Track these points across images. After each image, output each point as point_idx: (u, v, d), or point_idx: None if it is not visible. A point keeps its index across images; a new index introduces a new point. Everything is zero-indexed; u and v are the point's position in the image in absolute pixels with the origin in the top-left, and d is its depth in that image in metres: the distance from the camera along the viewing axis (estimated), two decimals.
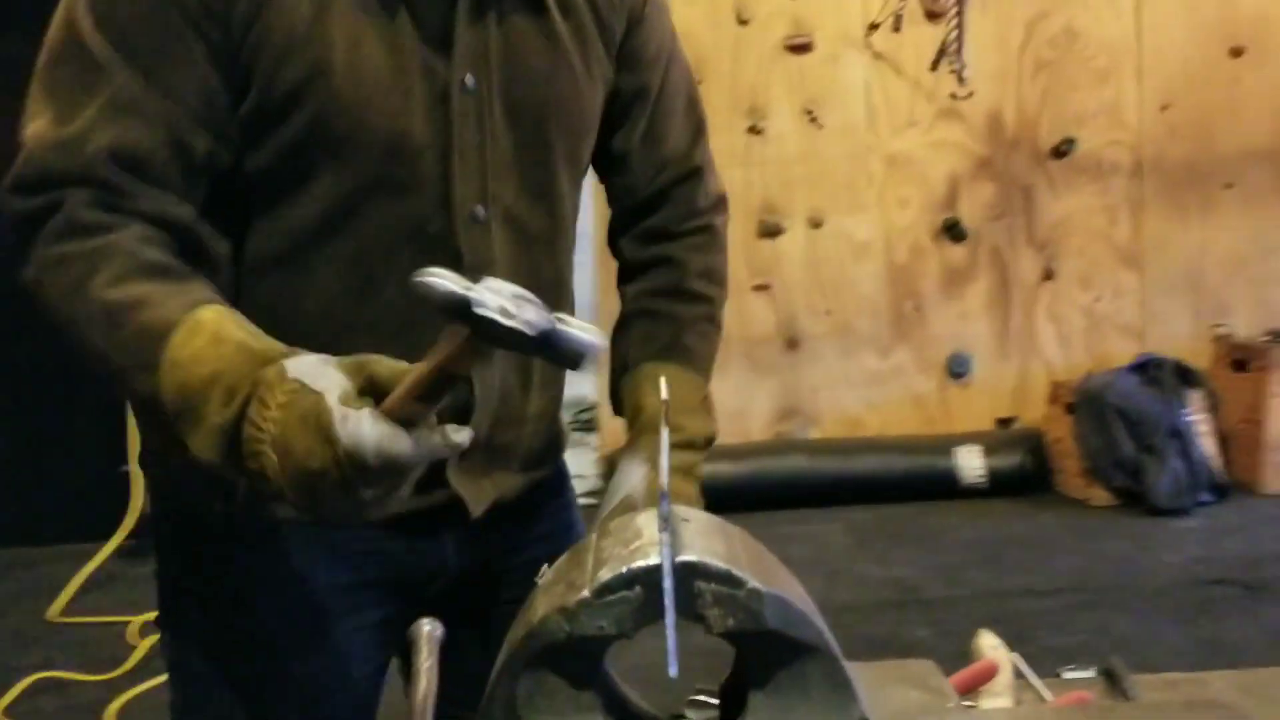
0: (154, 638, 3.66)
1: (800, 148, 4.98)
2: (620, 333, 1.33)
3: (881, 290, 5.05)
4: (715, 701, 0.75)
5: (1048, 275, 5.06)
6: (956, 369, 5.08)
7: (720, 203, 1.37)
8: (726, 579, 0.61)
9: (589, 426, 4.69)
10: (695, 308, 1.32)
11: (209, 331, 0.91)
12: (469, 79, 1.11)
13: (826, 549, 4.27)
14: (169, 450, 0.96)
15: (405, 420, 0.81)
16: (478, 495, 1.19)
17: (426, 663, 0.71)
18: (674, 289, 1.32)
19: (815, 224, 5.01)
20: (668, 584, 0.58)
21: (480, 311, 0.72)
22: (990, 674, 0.97)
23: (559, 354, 0.75)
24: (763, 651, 0.62)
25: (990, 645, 1.02)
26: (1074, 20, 4.96)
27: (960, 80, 4.62)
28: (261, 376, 0.86)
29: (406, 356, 0.96)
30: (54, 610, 4.02)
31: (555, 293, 1.22)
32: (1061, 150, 4.99)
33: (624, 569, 0.60)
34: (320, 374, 0.85)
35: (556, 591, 0.64)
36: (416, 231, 1.11)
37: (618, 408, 1.32)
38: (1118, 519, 4.47)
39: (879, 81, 4.97)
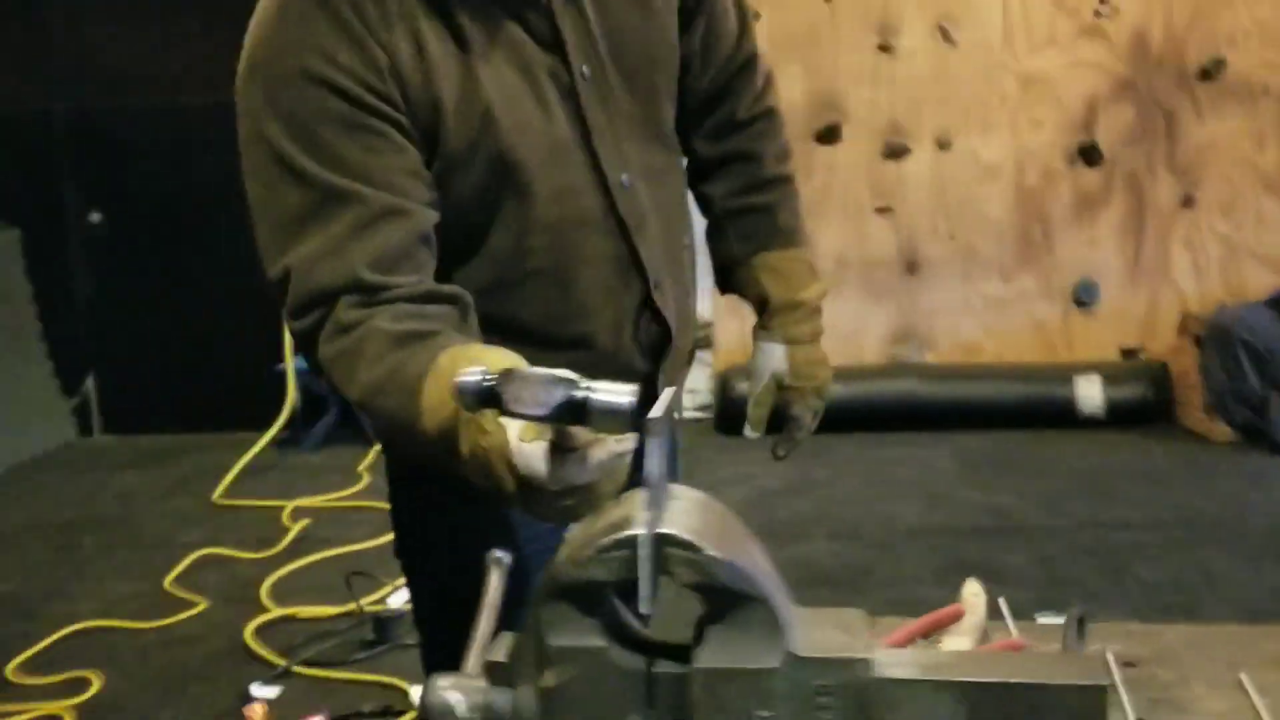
0: (305, 522, 4.01)
1: (931, 66, 4.90)
2: (718, 232, 1.54)
3: (1008, 214, 4.97)
4: None
5: (1186, 202, 4.89)
6: (1083, 296, 4.99)
7: (771, 81, 1.53)
8: (690, 547, 0.77)
9: (704, 344, 4.80)
10: (778, 190, 1.51)
11: (446, 375, 1.03)
12: (585, 69, 1.27)
13: (931, 473, 4.32)
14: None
15: (579, 443, 0.91)
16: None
17: (496, 584, 0.91)
18: (756, 183, 1.51)
19: (942, 145, 4.94)
20: (645, 551, 0.77)
21: (507, 406, 0.87)
22: (953, 618, 1.06)
23: (593, 419, 0.87)
24: (717, 599, 0.76)
25: (972, 593, 1.11)
26: None
27: None
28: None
29: (617, 320, 1.30)
30: (218, 493, 4.42)
31: (681, 210, 1.45)
32: (1209, 71, 4.78)
33: (619, 535, 0.78)
34: None
35: (575, 545, 0.83)
36: (586, 219, 1.29)
37: (726, 290, 1.55)
38: (1236, 456, 4.38)
39: None
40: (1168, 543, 3.62)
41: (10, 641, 3.17)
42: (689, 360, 1.52)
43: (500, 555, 0.94)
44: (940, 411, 4.71)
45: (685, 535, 0.77)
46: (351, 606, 3.25)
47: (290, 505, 4.21)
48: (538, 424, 0.93)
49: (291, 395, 4.80)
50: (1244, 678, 0.95)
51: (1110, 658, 1.03)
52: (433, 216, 1.19)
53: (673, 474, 1.34)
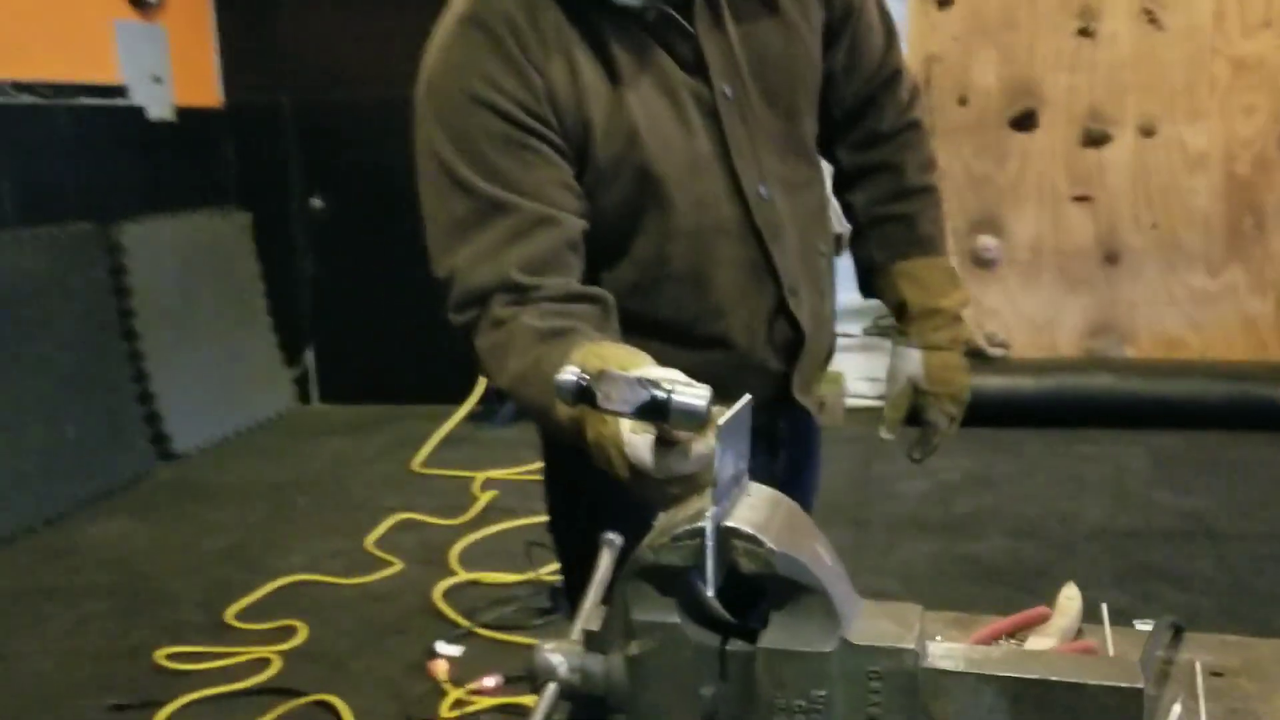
0: (493, 493, 4.24)
1: (1135, 50, 4.71)
2: (860, 239, 1.59)
3: (1217, 204, 4.74)
4: None
5: None
6: None
7: (916, 93, 1.57)
8: (752, 540, 0.85)
9: (888, 333, 4.78)
10: (920, 200, 1.56)
11: None
12: (727, 89, 1.36)
13: (1122, 473, 4.18)
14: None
15: (682, 437, 1.00)
16: (810, 401, 1.52)
17: (607, 561, 1.01)
18: (898, 192, 1.55)
19: (1146, 132, 4.75)
20: (711, 541, 0.85)
21: (599, 403, 0.96)
22: (1036, 620, 1.10)
23: (672, 417, 0.95)
24: (779, 588, 0.84)
25: (1067, 596, 1.14)
26: None
27: None
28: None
29: (751, 321, 1.38)
30: (416, 461, 4.72)
31: (820, 219, 1.51)
32: None
33: (690, 527, 0.87)
34: None
35: (658, 531, 0.92)
36: (723, 227, 1.38)
37: (868, 295, 1.60)
38: None
39: None
40: None
41: (230, 589, 3.50)
42: (826, 361, 1.58)
43: (612, 537, 1.05)
44: (1137, 409, 4.55)
45: (748, 529, 0.85)
46: (531, 575, 3.43)
47: (481, 476, 4.45)
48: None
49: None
50: None
51: (1197, 666, 1.05)
52: (581, 224, 1.31)
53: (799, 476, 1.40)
